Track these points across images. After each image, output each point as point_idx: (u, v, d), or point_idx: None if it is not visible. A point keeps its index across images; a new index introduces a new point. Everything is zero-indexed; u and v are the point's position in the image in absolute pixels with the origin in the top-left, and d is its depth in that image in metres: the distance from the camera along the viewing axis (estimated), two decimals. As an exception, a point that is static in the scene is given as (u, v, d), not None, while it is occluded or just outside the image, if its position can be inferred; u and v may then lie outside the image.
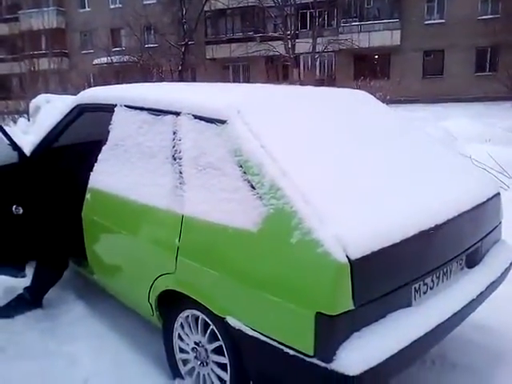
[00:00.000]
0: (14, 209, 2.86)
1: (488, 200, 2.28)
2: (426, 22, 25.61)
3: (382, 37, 25.75)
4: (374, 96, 3.02)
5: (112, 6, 32.16)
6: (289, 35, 26.60)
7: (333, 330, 1.56)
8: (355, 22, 26.40)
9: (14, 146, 2.98)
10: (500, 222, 2.48)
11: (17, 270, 3.01)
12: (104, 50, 28.15)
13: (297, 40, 26.69)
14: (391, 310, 1.74)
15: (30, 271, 3.04)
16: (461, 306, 1.95)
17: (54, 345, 2.65)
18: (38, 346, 2.63)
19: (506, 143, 7.42)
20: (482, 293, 2.08)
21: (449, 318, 1.86)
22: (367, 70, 24.22)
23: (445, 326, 1.86)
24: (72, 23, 32.99)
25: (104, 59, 28.59)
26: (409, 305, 1.81)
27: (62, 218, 3.02)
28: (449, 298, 1.94)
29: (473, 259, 2.21)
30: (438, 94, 23.89)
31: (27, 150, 3.17)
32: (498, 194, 2.43)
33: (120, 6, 31.41)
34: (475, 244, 2.19)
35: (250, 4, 27.55)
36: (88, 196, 2.72)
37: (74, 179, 2.93)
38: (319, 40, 26.08)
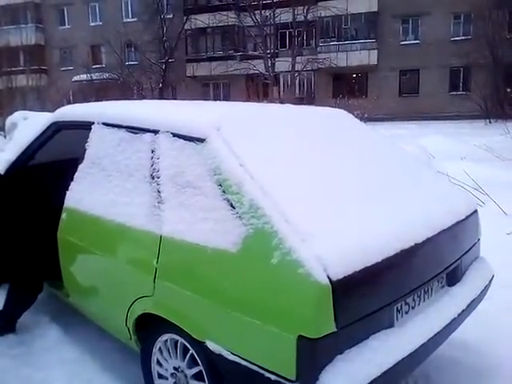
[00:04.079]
0: (-15, 229, 2.76)
1: (467, 217, 2.30)
2: (402, 43, 26.37)
3: (359, 56, 26.37)
4: (352, 114, 3.05)
5: (92, 24, 32.16)
6: (268, 54, 26.98)
7: (315, 354, 1.53)
8: (333, 41, 26.99)
9: (-13, 164, 2.90)
10: (478, 239, 2.50)
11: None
12: (84, 67, 28.02)
13: (276, 59, 27.09)
14: (374, 331, 1.71)
15: (2, 294, 2.93)
16: (443, 325, 1.94)
17: (26, 371, 2.54)
18: (9, 373, 2.52)
19: (481, 160, 7.61)
20: (463, 311, 2.08)
21: (431, 337, 1.85)
22: (345, 88, 24.73)
23: (428, 345, 1.84)
24: (51, 40, 32.82)
25: (84, 76, 28.44)
26: (391, 325, 1.79)
27: (37, 238, 2.92)
28: (431, 317, 1.93)
29: (453, 277, 2.22)
30: (413, 112, 24.46)
31: (2, 167, 3.08)
32: (476, 211, 2.46)
33: (100, 23, 31.45)
34: (455, 262, 2.20)
35: (230, 23, 27.95)
36: (64, 216, 2.65)
37: (50, 198, 2.86)
38: (298, 59, 26.53)
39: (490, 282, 2.40)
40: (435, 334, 1.87)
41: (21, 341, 2.84)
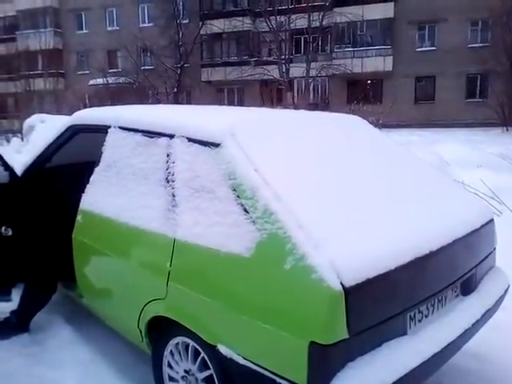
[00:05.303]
0: (2, 230, 2.80)
1: (482, 226, 2.27)
2: (418, 49, 26.21)
3: (374, 62, 26.26)
4: (367, 120, 3.04)
5: (109, 28, 32.59)
6: (283, 59, 27.02)
7: (327, 360, 1.52)
8: (348, 47, 26.94)
9: (6, 165, 2.95)
10: (494, 249, 2.47)
11: (2, 294, 2.93)
12: (100, 71, 28.37)
13: (291, 64, 27.11)
14: (386, 338, 1.70)
15: (16, 294, 2.96)
16: (457, 334, 1.91)
17: (39, 370, 2.57)
18: (22, 372, 2.55)
19: (497, 169, 7.48)
20: (477, 321, 2.05)
21: (445, 346, 1.83)
22: (360, 94, 24.58)
23: (441, 355, 1.82)
24: (69, 44, 33.34)
25: (100, 80, 28.78)
26: (404, 333, 1.78)
27: (52, 240, 2.96)
28: (444, 326, 1.91)
29: (468, 286, 2.19)
30: (429, 119, 24.25)
31: (19, 169, 3.14)
32: (492, 220, 2.42)
33: (117, 28, 31.85)
34: (470, 271, 2.18)
35: (245, 29, 28.07)
36: (79, 218, 2.69)
37: (66, 200, 2.89)
38: (313, 65, 26.51)
39: (506, 291, 2.37)
40: (449, 344, 1.85)
41: (34, 340, 2.87)
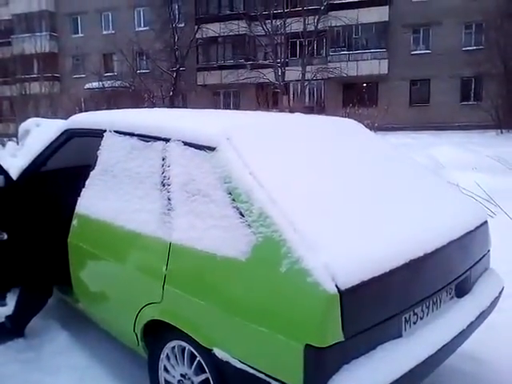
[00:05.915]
0: (-3, 234, 2.80)
1: (476, 228, 2.28)
2: (413, 52, 26.36)
3: (369, 66, 26.38)
4: (363, 123, 3.05)
5: (105, 32, 32.58)
6: (279, 63, 27.10)
7: (322, 363, 1.52)
8: (344, 51, 27.05)
9: (1, 169, 2.94)
10: (488, 251, 2.48)
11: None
12: (96, 75, 28.36)
13: (286, 68, 27.20)
14: (381, 341, 1.71)
15: (12, 299, 2.96)
16: (451, 336, 1.92)
17: (35, 376, 2.55)
18: (18, 378, 2.54)
19: (492, 171, 7.54)
20: (472, 323, 2.07)
21: (440, 348, 1.84)
22: (356, 97, 24.67)
23: (436, 357, 1.83)
24: (64, 48, 33.30)
25: (95, 84, 28.77)
26: (399, 335, 1.79)
27: (48, 244, 2.96)
28: (439, 328, 1.92)
29: (462, 288, 2.20)
30: (424, 122, 24.35)
31: (15, 173, 3.13)
32: (486, 222, 2.44)
33: (113, 31, 31.83)
34: (464, 273, 2.19)
35: (241, 32, 28.15)
36: (74, 222, 2.68)
37: (61, 204, 2.89)
38: (308, 68, 26.61)
39: (500, 293, 2.38)
40: (443, 346, 1.86)
41: (30, 345, 2.86)
